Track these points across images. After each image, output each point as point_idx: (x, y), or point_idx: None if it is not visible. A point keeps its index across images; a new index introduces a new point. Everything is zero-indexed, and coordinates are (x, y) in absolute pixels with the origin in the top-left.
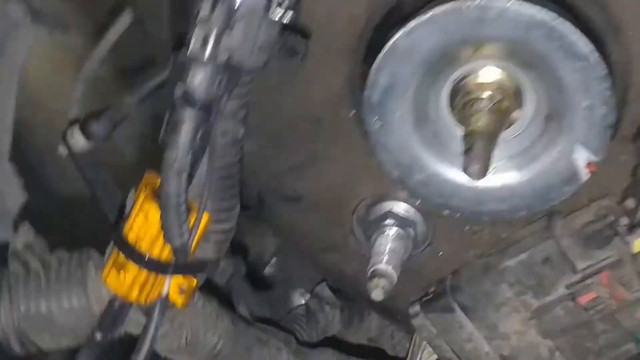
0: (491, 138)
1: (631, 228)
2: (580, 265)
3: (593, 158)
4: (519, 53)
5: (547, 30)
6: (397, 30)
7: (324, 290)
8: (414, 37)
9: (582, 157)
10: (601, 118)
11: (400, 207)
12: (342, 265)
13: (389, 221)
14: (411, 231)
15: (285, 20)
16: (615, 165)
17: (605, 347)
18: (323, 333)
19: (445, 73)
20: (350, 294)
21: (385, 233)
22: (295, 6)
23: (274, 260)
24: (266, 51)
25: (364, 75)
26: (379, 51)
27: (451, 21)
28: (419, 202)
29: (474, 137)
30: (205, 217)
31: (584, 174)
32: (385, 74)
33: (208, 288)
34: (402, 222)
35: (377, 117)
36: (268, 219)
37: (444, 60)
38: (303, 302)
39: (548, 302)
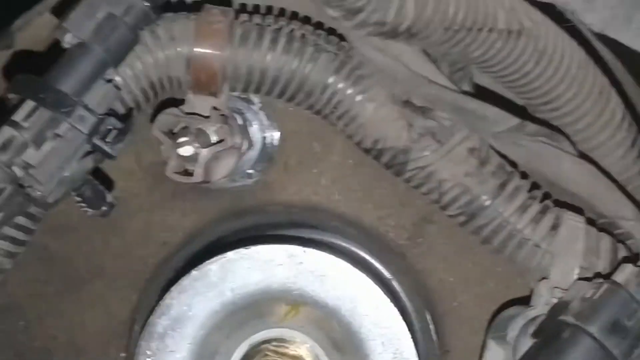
0: None
1: None
2: None
3: None
4: (334, 328)
5: (353, 307)
6: (211, 258)
7: None
8: (228, 269)
9: None
10: None
11: None
12: None
13: None
14: None
15: (105, 155)
16: None
17: None
18: None
19: (249, 326)
20: None
21: None
22: (115, 146)
23: None
24: (65, 187)
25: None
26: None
27: (273, 264)
28: None
29: None
30: None
31: None
32: (181, 302)
33: None
34: None
35: (152, 353)
36: None
37: (254, 310)
38: None
39: None
